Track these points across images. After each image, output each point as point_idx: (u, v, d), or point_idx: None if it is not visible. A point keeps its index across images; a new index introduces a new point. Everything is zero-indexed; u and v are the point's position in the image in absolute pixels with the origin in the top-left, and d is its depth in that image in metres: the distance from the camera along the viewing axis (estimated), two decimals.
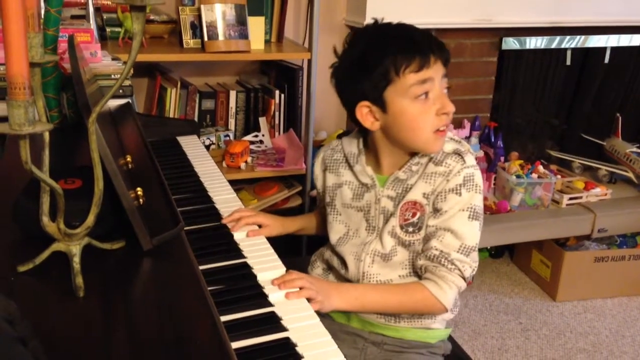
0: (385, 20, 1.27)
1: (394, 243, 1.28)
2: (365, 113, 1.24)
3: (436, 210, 1.24)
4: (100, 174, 0.84)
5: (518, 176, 2.74)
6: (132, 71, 1.68)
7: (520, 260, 2.93)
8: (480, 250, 2.95)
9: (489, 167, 2.91)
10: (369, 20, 1.28)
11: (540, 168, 2.80)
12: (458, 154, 1.24)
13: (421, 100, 1.19)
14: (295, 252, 2.41)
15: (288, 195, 2.45)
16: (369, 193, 1.31)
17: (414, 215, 1.25)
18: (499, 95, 3.01)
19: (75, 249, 0.84)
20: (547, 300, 2.68)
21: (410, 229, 1.26)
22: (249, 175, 2.34)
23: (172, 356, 0.72)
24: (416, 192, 1.25)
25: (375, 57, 1.19)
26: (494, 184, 2.90)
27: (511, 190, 2.74)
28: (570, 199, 2.75)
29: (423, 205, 1.25)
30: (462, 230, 1.21)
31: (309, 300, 1.08)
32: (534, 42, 2.91)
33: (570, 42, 2.96)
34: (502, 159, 2.89)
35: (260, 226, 1.34)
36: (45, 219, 0.83)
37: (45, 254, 0.85)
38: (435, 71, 1.19)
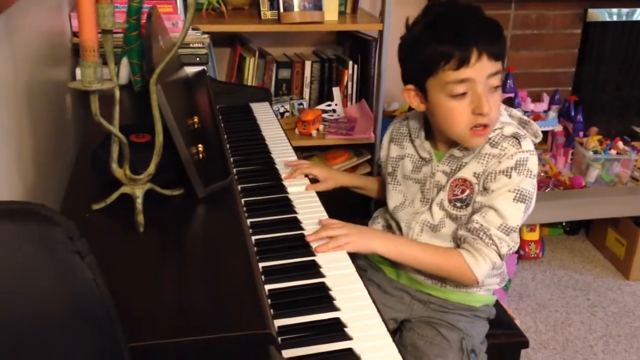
0: None
1: (442, 215, 1.32)
2: (412, 95, 1.29)
3: (485, 189, 1.26)
4: (160, 129, 0.97)
5: (595, 152, 2.69)
6: (208, 40, 1.82)
7: (595, 238, 2.87)
8: (554, 225, 2.95)
9: (567, 141, 2.86)
10: None
11: (620, 144, 2.72)
12: (516, 137, 1.25)
13: (458, 98, 1.20)
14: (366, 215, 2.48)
15: (357, 163, 2.53)
16: (426, 167, 1.36)
17: (462, 192, 1.29)
18: (583, 68, 2.93)
19: (138, 192, 0.97)
20: (620, 279, 2.63)
21: (459, 204, 1.30)
22: (319, 143, 2.45)
23: (210, 287, 0.85)
24: (467, 171, 1.29)
25: (422, 45, 1.21)
26: (571, 159, 2.85)
27: (587, 166, 2.69)
28: None
29: (473, 184, 1.28)
30: (506, 210, 1.23)
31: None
32: (622, 14, 2.80)
33: None
34: (581, 134, 2.83)
35: (315, 179, 1.47)
36: (114, 166, 0.97)
37: (115, 195, 0.99)
38: (477, 70, 1.18)
